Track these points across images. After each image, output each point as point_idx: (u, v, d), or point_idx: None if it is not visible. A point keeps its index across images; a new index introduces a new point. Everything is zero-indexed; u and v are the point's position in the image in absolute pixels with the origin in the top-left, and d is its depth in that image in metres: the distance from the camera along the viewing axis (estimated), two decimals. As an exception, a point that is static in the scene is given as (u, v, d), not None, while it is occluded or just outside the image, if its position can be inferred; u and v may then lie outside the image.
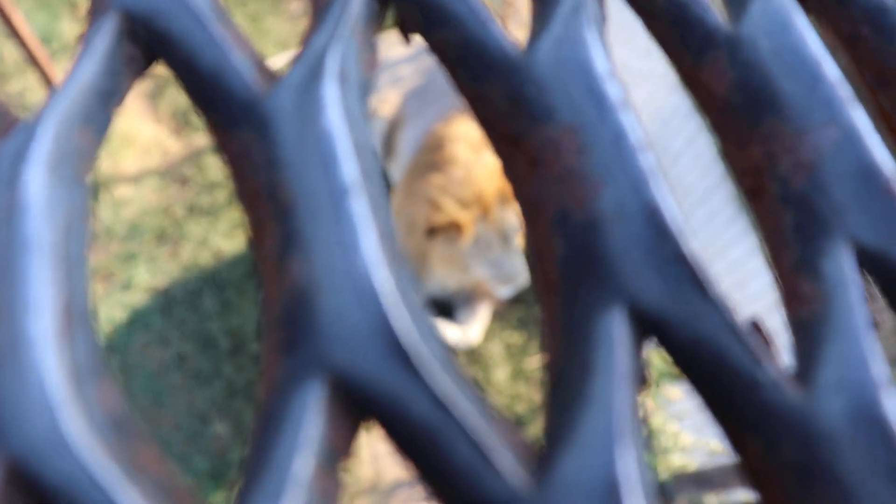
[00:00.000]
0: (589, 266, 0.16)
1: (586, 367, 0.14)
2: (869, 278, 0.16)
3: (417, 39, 0.19)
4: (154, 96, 2.03)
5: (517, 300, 1.96)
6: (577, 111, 0.17)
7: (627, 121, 0.16)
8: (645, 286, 0.15)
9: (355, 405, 0.14)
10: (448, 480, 0.13)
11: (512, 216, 1.61)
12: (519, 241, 1.67)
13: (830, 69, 0.18)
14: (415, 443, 0.14)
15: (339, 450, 0.13)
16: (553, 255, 0.16)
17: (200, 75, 0.17)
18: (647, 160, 0.16)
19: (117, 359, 1.80)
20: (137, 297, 1.87)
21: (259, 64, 0.18)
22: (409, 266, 0.15)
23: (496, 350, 1.91)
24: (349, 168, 0.15)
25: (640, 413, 0.14)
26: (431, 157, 1.62)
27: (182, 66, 0.18)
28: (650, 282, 0.15)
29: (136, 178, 1.93)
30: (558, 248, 0.16)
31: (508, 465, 0.13)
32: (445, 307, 1.89)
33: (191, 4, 0.18)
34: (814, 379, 0.15)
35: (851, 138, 0.18)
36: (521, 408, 1.87)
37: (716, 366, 0.15)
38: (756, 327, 0.16)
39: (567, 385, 0.14)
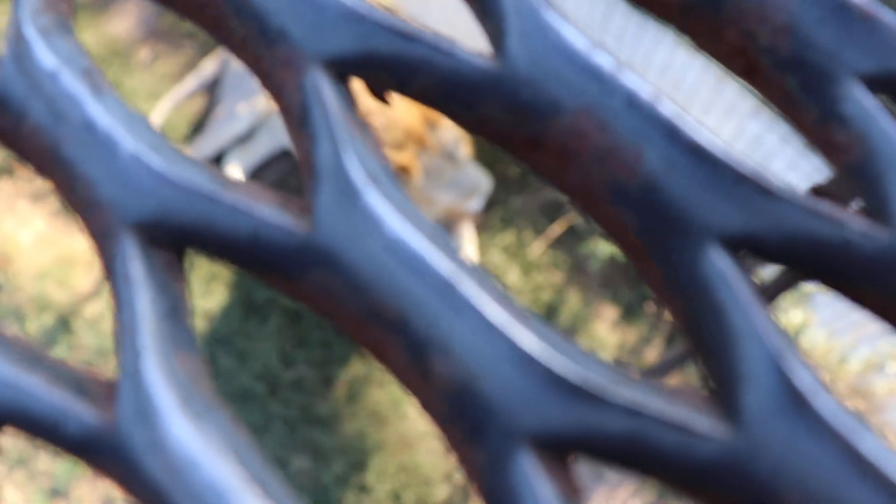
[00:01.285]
0: (666, 222, 0.17)
1: (718, 308, 0.16)
2: (886, 100, 0.18)
3: (394, 97, 0.20)
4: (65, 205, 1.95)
5: (491, 204, 1.98)
6: (579, 93, 0.17)
7: (631, 81, 0.17)
8: (724, 214, 0.16)
9: (561, 450, 0.15)
10: (667, 467, 0.15)
11: (447, 133, 1.60)
12: (464, 152, 1.67)
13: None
14: (615, 452, 0.15)
15: (569, 497, 0.15)
16: (629, 228, 0.17)
17: (240, 247, 0.18)
18: (667, 107, 0.17)
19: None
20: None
21: (283, 202, 0.18)
22: (528, 310, 0.16)
23: (497, 257, 1.95)
24: (438, 260, 0.16)
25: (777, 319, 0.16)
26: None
27: (217, 246, 0.18)
28: (727, 209, 0.16)
29: (95, 292, 1.88)
30: (630, 219, 0.17)
31: (706, 426, 0.15)
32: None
33: (192, 187, 0.18)
34: (892, 215, 0.16)
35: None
36: (546, 296, 1.93)
37: (811, 248, 0.16)
38: (817, 192, 0.18)
39: (712, 331, 0.16)
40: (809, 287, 1.97)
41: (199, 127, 2.03)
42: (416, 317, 0.16)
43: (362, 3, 0.20)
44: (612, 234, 0.18)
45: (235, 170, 1.89)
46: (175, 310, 0.17)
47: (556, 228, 1.97)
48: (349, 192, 0.18)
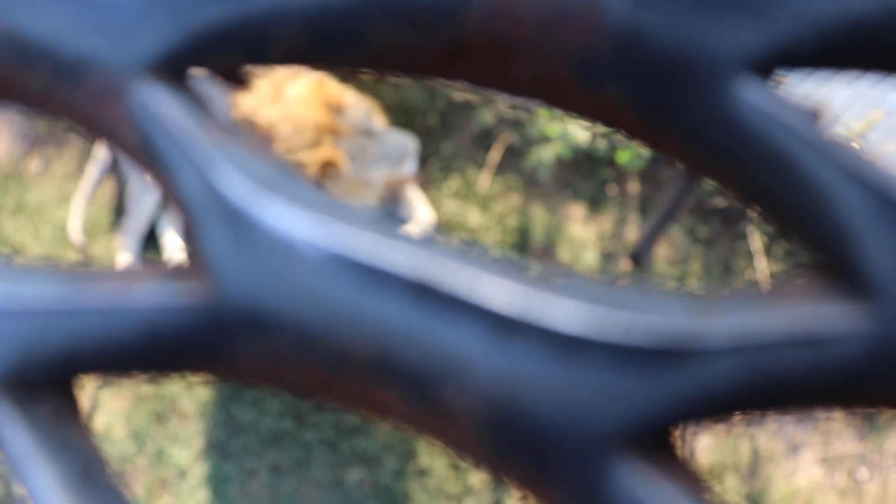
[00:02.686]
0: (669, 78, 0.12)
1: (783, 154, 0.11)
2: None
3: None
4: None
5: (425, 158, 1.92)
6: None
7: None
8: (741, 33, 0.12)
9: (662, 434, 0.11)
10: (804, 394, 0.11)
11: (355, 112, 1.53)
12: (379, 122, 1.60)
13: None
14: (734, 405, 0.11)
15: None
16: (622, 102, 0.12)
17: (137, 351, 0.13)
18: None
19: (234, 525, 1.77)
20: (196, 474, 1.80)
21: (173, 272, 0.13)
22: (538, 267, 0.12)
23: (450, 206, 1.90)
24: (398, 257, 0.11)
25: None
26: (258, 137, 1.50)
27: (110, 362, 0.13)
28: (740, 26, 0.12)
29: (93, 405, 1.79)
30: (618, 91, 0.12)
31: (837, 322, 0.11)
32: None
33: (41, 305, 0.13)
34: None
35: None
36: (512, 222, 1.90)
37: (851, 28, 0.12)
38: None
39: (788, 190, 0.11)
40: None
41: (119, 210, 1.92)
42: (401, 346, 0.11)
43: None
44: (604, 118, 0.13)
45: (173, 236, 1.79)
46: (84, 471, 0.12)
47: (495, 155, 1.92)
48: (239, 219, 0.13)
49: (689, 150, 0.13)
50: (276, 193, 0.13)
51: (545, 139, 1.93)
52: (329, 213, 0.13)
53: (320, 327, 0.12)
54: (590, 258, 1.90)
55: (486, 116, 1.94)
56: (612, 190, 1.95)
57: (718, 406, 0.11)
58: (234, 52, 0.15)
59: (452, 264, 0.12)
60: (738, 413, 0.11)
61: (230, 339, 0.13)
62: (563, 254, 1.91)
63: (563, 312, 0.10)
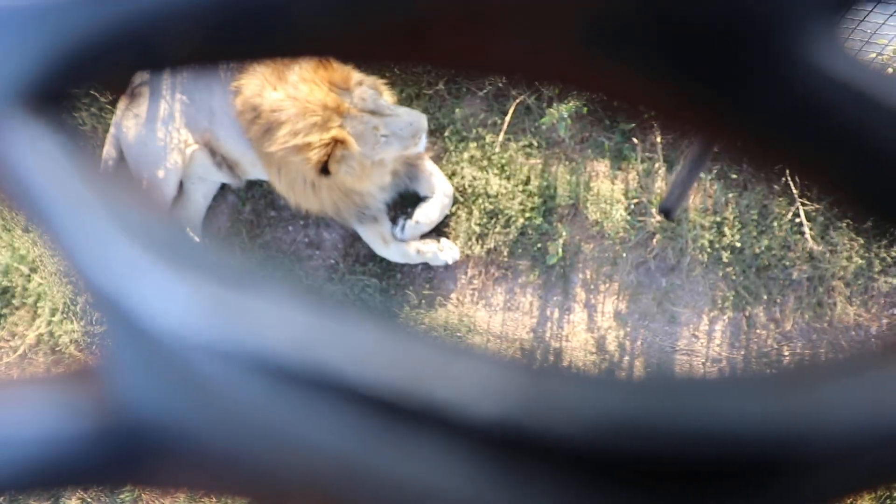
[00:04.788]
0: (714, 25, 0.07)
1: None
2: None
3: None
4: None
5: (437, 130, 1.86)
6: None
7: None
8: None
9: None
10: None
11: (361, 91, 1.47)
12: (387, 100, 1.54)
13: None
14: None
15: None
16: (648, 69, 0.08)
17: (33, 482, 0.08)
18: None
19: None
20: None
21: (61, 384, 0.09)
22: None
23: (469, 174, 1.84)
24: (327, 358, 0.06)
25: None
26: (263, 124, 1.46)
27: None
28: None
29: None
30: (643, 58, 0.08)
31: None
32: (405, 201, 1.80)
33: None
34: None
35: None
36: (535, 186, 1.83)
37: None
38: None
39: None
40: None
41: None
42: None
43: None
44: (616, 94, 0.10)
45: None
46: None
47: (510, 117, 1.85)
48: (119, 307, 0.10)
49: (739, 130, 0.11)
50: (163, 270, 0.10)
51: (560, 94, 1.85)
52: (229, 290, 0.09)
53: (236, 445, 0.09)
54: (618, 215, 1.83)
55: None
56: (631, 142, 1.87)
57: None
58: (121, 62, 0.12)
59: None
60: None
61: (132, 464, 0.11)
62: (592, 213, 1.84)
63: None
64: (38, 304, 1.86)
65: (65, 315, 1.84)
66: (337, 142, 1.42)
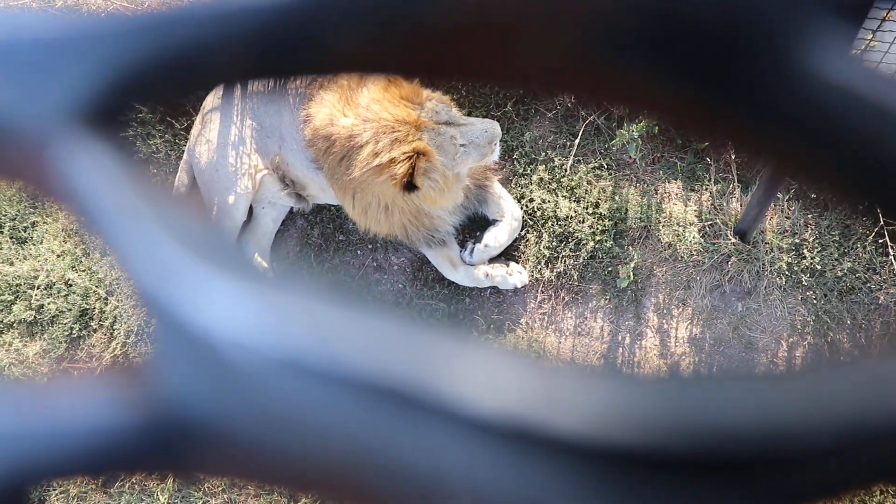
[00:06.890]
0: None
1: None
2: None
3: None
4: None
5: (507, 152, 1.84)
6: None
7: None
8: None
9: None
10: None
11: (432, 104, 1.46)
12: (455, 109, 1.53)
13: None
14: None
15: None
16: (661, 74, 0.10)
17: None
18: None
19: None
20: None
21: (107, 379, 0.13)
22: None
23: (538, 197, 1.82)
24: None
25: None
26: (338, 152, 1.46)
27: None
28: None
29: None
30: (656, 65, 0.10)
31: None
32: (474, 225, 1.79)
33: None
34: None
35: None
36: (605, 208, 1.80)
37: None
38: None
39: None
40: None
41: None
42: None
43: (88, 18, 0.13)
44: (628, 101, 0.12)
45: (257, 261, 1.79)
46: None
47: (578, 140, 1.82)
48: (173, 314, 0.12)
49: (752, 137, 0.11)
50: (207, 271, 0.11)
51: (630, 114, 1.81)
52: (271, 290, 0.12)
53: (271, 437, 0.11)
54: (691, 238, 1.78)
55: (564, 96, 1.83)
56: (704, 162, 1.82)
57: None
58: (174, 83, 0.13)
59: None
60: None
61: (175, 451, 0.12)
62: (664, 235, 1.80)
63: None
64: (115, 327, 1.90)
65: (139, 338, 1.87)
66: (419, 154, 1.40)
